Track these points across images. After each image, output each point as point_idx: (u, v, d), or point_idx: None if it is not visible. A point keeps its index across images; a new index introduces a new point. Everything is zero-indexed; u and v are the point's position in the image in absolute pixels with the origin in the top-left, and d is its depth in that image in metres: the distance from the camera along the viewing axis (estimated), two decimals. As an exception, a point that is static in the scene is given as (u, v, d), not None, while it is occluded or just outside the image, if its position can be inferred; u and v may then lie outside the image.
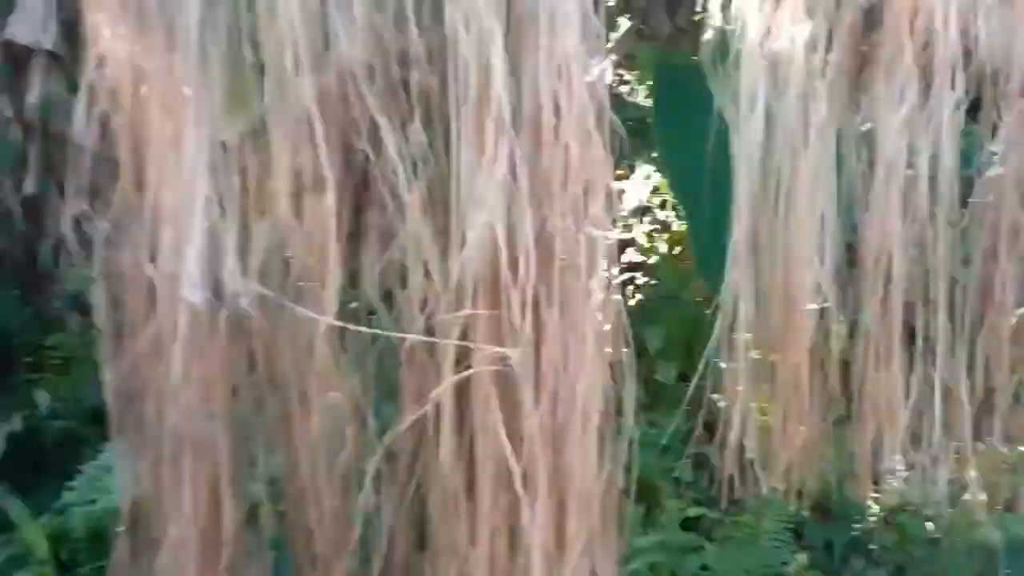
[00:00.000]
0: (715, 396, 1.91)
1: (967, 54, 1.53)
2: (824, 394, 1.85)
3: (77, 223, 4.34)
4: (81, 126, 4.13)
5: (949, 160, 1.58)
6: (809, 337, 1.72)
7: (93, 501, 2.81)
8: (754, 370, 1.76)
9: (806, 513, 2.93)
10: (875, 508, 3.40)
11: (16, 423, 3.34)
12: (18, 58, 4.14)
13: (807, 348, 1.75)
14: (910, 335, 1.83)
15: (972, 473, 2.02)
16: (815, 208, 1.59)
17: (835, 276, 1.70)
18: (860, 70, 1.56)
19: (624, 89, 4.67)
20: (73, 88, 4.01)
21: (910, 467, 2.03)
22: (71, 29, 4.08)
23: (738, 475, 1.83)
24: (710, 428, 2.00)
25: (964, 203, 1.80)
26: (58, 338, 3.84)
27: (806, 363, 1.76)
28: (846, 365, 1.88)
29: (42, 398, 3.56)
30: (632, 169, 5.07)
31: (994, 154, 1.69)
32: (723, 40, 1.61)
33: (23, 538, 2.77)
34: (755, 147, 1.56)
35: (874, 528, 3.41)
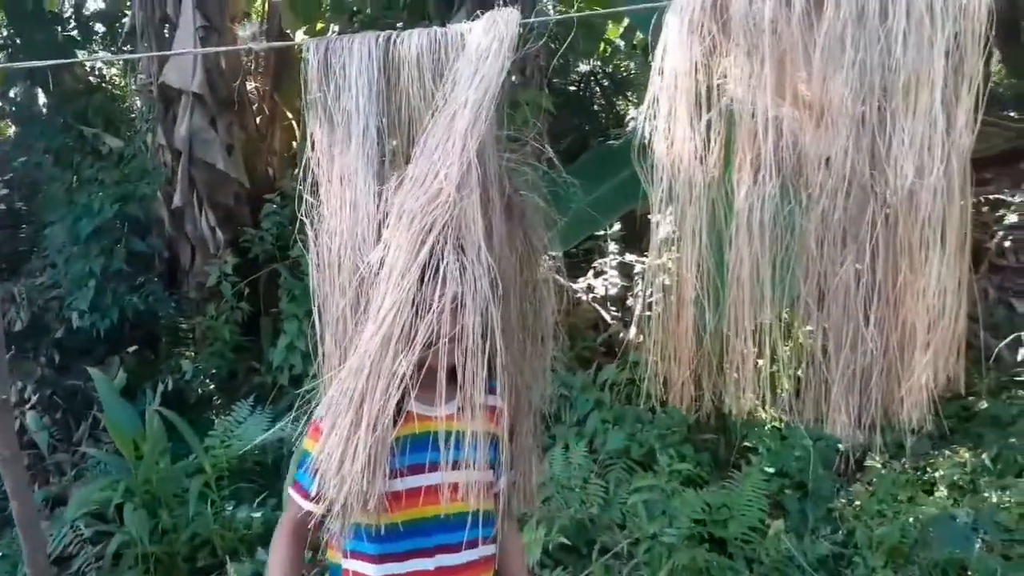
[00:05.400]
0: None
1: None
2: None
3: (212, 230, 5.37)
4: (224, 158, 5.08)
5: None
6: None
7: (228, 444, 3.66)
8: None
9: None
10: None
11: (168, 384, 4.29)
12: (170, 98, 5.13)
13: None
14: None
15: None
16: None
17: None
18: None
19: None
20: (212, 123, 5.00)
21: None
22: (212, 75, 5.05)
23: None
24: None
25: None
26: (197, 321, 4.78)
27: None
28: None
29: (186, 366, 4.51)
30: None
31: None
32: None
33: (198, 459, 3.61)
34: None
35: None
